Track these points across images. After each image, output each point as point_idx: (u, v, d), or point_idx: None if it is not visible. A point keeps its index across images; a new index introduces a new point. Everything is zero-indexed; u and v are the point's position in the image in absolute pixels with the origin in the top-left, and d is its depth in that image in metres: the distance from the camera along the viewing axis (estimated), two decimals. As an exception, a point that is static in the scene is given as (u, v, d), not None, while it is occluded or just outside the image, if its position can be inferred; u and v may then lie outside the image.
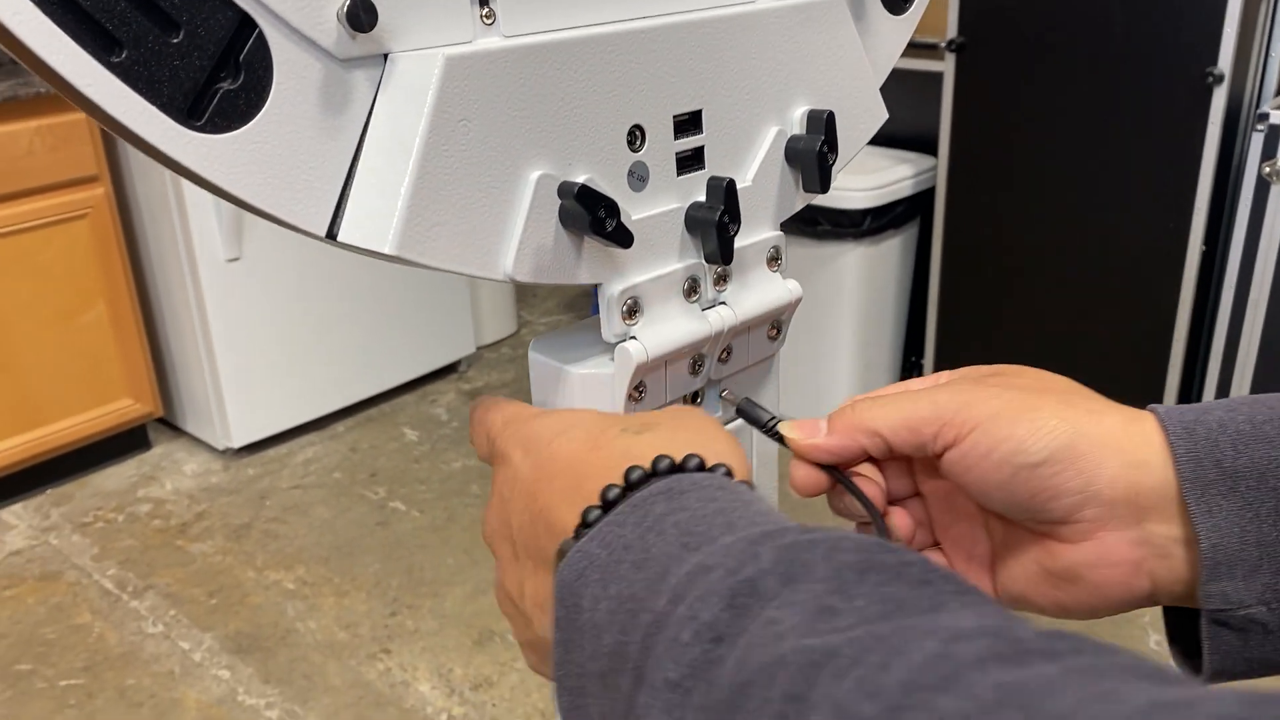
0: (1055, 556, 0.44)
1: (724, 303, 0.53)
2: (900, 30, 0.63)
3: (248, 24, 0.38)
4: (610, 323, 0.49)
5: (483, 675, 1.89)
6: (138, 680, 1.89)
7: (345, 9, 0.39)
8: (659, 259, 0.50)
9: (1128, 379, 2.22)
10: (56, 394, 2.38)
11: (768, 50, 0.53)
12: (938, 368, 2.52)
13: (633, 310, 0.49)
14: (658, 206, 0.50)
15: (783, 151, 0.54)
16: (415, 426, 2.78)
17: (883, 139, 2.18)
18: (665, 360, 0.50)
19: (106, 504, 2.41)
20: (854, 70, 0.57)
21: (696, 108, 0.50)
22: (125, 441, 2.58)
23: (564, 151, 0.46)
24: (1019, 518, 0.44)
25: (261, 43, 0.39)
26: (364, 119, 0.42)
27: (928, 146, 2.44)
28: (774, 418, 0.49)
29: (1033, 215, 2.26)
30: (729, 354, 0.54)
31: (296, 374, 2.65)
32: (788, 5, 0.53)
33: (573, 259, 0.47)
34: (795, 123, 0.55)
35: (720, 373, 0.54)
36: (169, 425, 2.76)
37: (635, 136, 0.49)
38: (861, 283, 2.44)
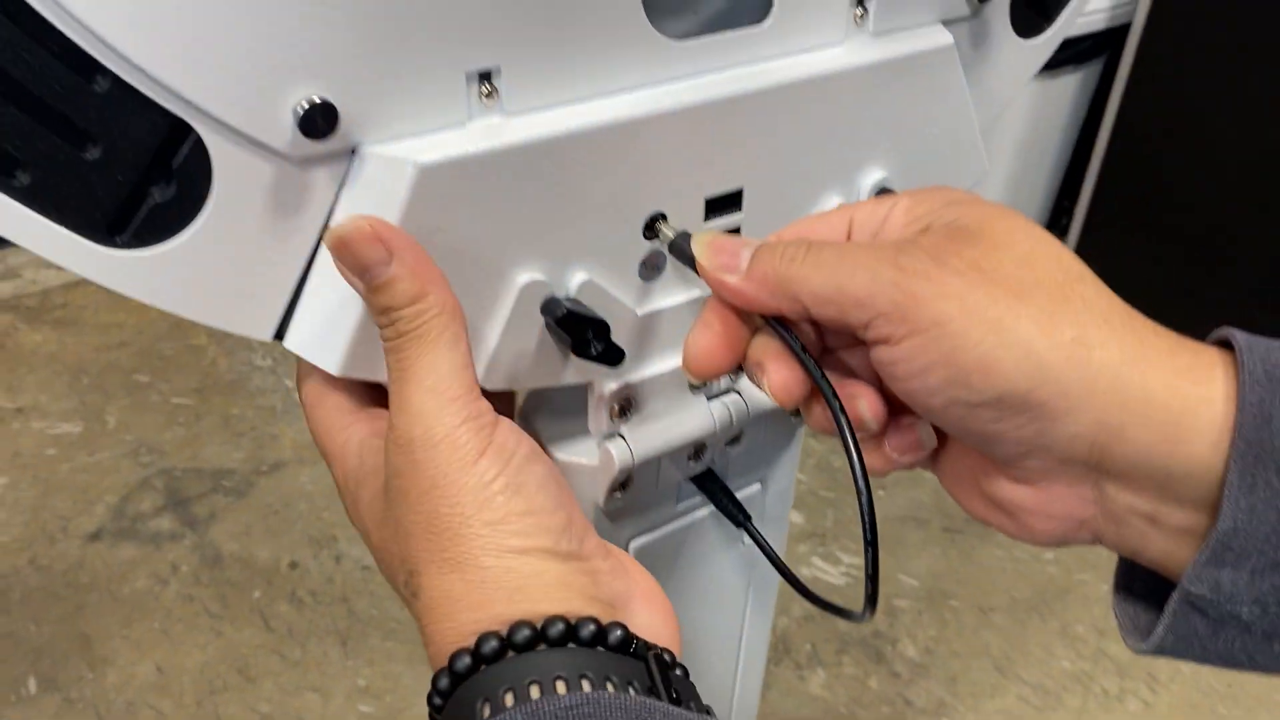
0: (992, 483, 0.37)
1: (737, 391, 0.48)
2: (1030, 56, 0.52)
3: (181, 129, 0.33)
4: (596, 419, 0.44)
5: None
6: (241, 410, 2.01)
7: (301, 117, 0.34)
8: (664, 353, 0.45)
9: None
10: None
11: (842, 116, 0.44)
12: (1090, 221, 2.34)
13: (624, 409, 0.45)
14: (671, 299, 0.44)
15: (841, 226, 0.47)
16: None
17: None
18: (658, 458, 0.46)
19: (233, 225, 2.48)
20: (953, 123, 0.48)
21: (736, 188, 0.43)
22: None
23: (561, 251, 0.40)
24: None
25: (199, 148, 0.34)
26: (324, 218, 0.37)
27: (1136, -27, 2.16)
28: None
29: (1239, 76, 2.01)
30: (739, 438, 0.49)
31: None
32: (881, 62, 0.44)
33: (558, 362, 0.42)
34: (864, 192, 0.47)
35: (726, 455, 0.50)
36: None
37: (654, 224, 0.42)
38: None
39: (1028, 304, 0.32)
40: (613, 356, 0.41)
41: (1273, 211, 2.02)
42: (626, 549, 0.50)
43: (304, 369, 0.42)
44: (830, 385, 0.35)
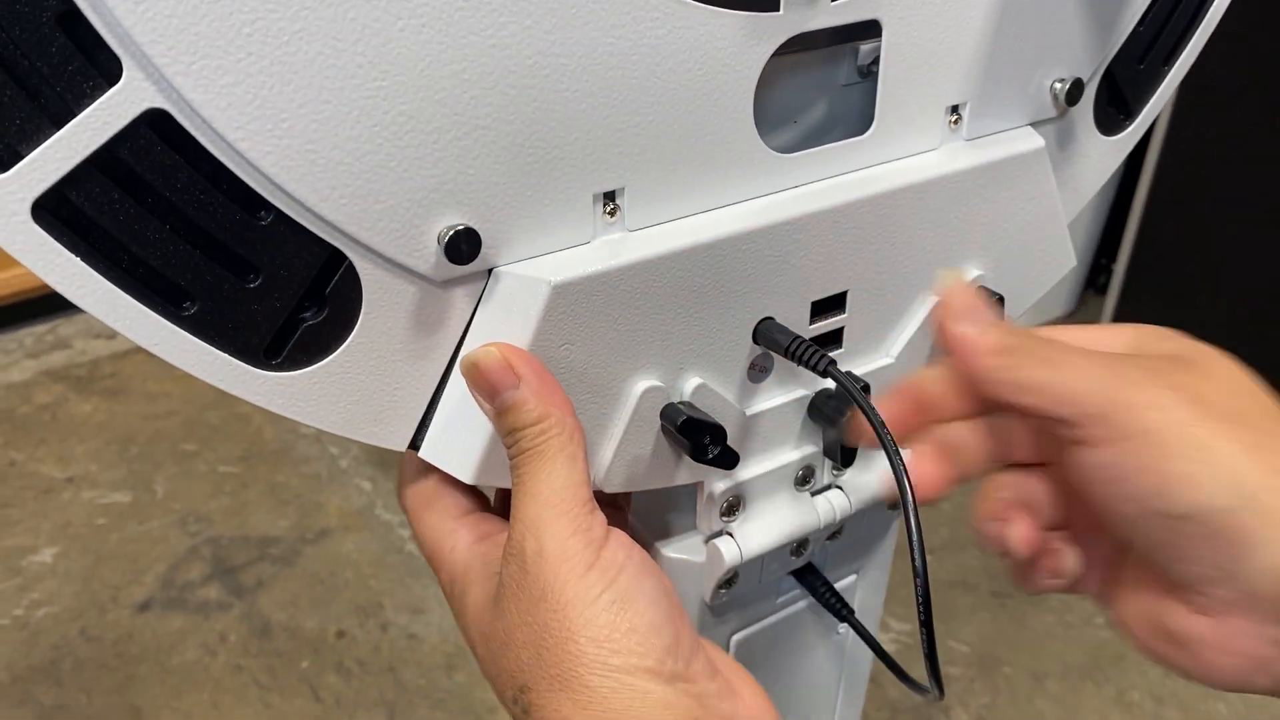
0: (1169, 613, 0.36)
1: (839, 486, 0.49)
2: (1113, 151, 0.54)
3: (335, 257, 0.35)
4: (706, 518, 0.46)
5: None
6: (286, 478, 2.03)
7: (446, 242, 0.35)
8: (772, 452, 0.46)
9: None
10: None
11: (940, 218, 0.46)
12: (1130, 277, 2.34)
13: (733, 508, 0.46)
14: (779, 398, 0.45)
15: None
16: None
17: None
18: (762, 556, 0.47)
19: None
20: (1043, 220, 0.50)
21: (840, 290, 0.45)
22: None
23: (677, 357, 0.41)
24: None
25: (350, 274, 0.35)
26: (460, 335, 0.39)
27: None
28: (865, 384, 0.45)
29: (1278, 133, 2.02)
30: (839, 532, 0.50)
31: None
32: (975, 166, 0.46)
33: (672, 464, 0.43)
34: (959, 290, 0.48)
35: (826, 549, 0.50)
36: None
37: (762, 327, 0.43)
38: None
39: (1236, 429, 0.33)
40: (728, 460, 0.42)
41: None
42: (728, 644, 0.51)
43: (407, 475, 0.43)
44: (900, 459, 0.37)
